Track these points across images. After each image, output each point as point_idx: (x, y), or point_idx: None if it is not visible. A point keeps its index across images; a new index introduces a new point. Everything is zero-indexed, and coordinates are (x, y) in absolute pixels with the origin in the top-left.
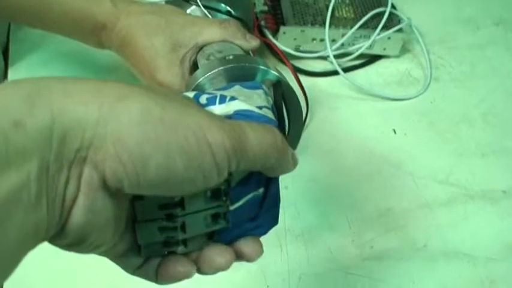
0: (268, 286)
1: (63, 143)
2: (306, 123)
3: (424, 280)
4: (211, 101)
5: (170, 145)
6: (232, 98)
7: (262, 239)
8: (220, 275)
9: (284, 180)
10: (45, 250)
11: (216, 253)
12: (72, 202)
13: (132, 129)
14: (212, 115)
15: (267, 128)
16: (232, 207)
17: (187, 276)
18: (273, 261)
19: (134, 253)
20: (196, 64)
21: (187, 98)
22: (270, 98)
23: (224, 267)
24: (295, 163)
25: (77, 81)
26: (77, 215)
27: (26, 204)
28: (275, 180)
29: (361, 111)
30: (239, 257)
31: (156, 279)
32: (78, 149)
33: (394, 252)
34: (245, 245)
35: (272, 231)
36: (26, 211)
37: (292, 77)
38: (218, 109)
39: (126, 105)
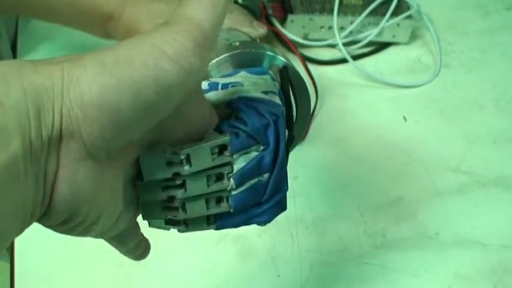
0: (279, 275)
1: (38, 117)
2: (316, 112)
3: (437, 268)
4: (213, 87)
5: (133, 80)
6: (236, 84)
7: (274, 228)
8: (231, 264)
9: (294, 170)
10: (57, 243)
11: None
12: (54, 177)
13: (91, 85)
14: (160, 27)
15: None
16: (235, 192)
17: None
18: (284, 251)
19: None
20: None
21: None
22: (277, 84)
23: None
24: None
25: (45, 59)
26: (61, 189)
27: (13, 184)
28: (281, 166)
29: (371, 99)
30: None
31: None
32: (52, 123)
33: (406, 240)
34: None
35: (283, 221)
36: (13, 191)
37: (301, 65)
38: (221, 94)
39: (81, 64)
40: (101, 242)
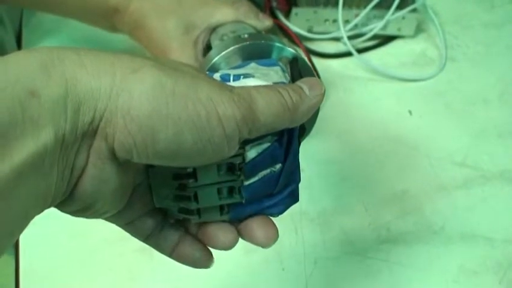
0: (284, 269)
1: (77, 114)
2: (320, 106)
3: (442, 263)
4: (224, 78)
5: (180, 119)
6: (247, 75)
7: (278, 221)
8: (236, 257)
9: None
10: (61, 236)
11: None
12: (81, 171)
13: (143, 103)
14: (222, 86)
15: (273, 89)
16: (246, 182)
17: (201, 261)
18: (288, 245)
19: (142, 221)
20: (209, 46)
21: (197, 69)
22: (287, 75)
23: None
24: (317, 98)
25: (91, 52)
26: (85, 184)
27: (38, 172)
28: (293, 157)
29: (376, 93)
30: (251, 241)
31: (169, 254)
32: (91, 121)
33: (411, 235)
34: (258, 229)
35: (287, 215)
36: (37, 179)
37: (305, 58)
38: (233, 85)
39: (139, 77)
40: (106, 235)
